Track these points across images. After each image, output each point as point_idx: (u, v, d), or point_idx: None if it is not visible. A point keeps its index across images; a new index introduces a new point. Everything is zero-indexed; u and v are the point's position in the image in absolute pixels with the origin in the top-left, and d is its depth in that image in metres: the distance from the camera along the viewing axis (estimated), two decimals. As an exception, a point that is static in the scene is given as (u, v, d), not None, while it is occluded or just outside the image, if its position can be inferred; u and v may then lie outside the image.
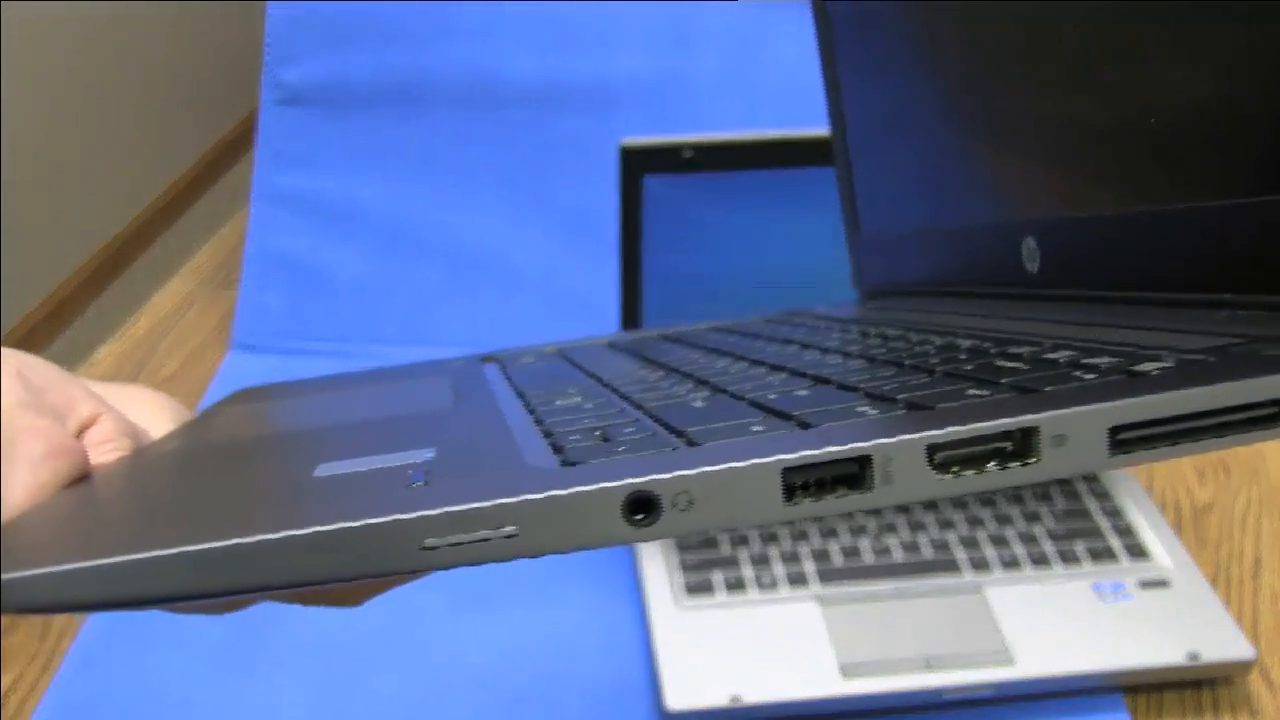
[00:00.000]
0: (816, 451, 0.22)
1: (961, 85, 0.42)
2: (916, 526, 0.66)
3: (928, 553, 0.65)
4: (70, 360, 1.05)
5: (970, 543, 0.65)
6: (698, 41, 0.98)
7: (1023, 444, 0.23)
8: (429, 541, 0.21)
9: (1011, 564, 0.64)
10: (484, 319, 0.96)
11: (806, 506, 0.22)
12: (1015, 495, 0.68)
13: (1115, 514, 0.67)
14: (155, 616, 0.33)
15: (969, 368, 0.28)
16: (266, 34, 1.00)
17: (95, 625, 0.66)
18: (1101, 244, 0.34)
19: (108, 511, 0.28)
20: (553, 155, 0.98)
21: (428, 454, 0.27)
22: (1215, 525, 0.73)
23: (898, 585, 0.63)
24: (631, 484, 0.22)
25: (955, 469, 0.23)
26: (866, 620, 0.61)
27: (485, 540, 0.22)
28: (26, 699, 0.62)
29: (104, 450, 0.32)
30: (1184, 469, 0.78)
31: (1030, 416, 0.22)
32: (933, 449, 0.22)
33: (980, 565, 0.64)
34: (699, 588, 0.63)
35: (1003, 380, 0.26)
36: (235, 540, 0.21)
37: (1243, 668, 0.60)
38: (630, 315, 0.74)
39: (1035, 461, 0.23)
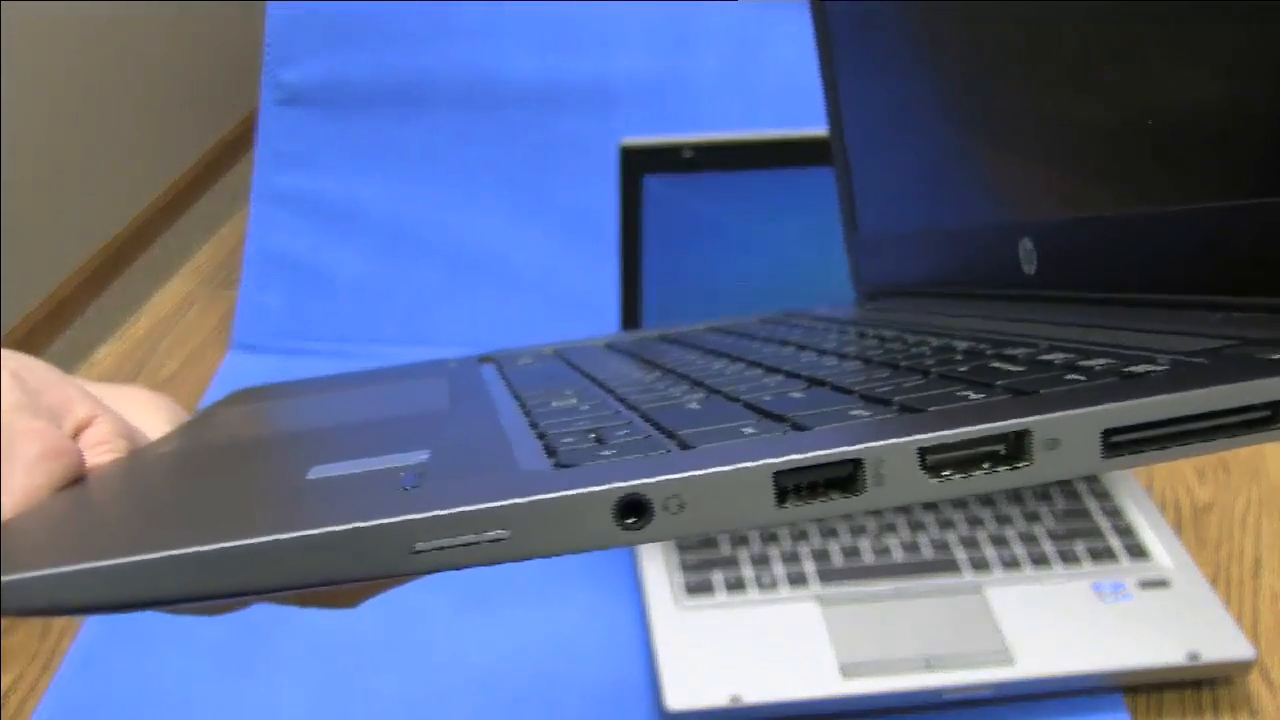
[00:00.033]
0: (807, 455, 0.22)
1: (959, 86, 0.42)
2: (916, 526, 0.66)
3: (928, 553, 0.65)
4: (70, 360, 1.05)
5: (970, 543, 0.65)
6: (698, 41, 0.98)
7: (1015, 447, 0.22)
8: (419, 545, 0.21)
9: (1011, 564, 0.64)
10: (484, 319, 0.96)
11: (798, 510, 0.22)
12: (1015, 495, 0.68)
13: (1115, 514, 0.67)
14: (155, 616, 0.33)
15: (963, 370, 0.28)
16: (266, 34, 1.00)
17: (95, 625, 0.66)
18: (1098, 245, 0.34)
19: (102, 514, 0.28)
20: (553, 155, 0.98)
21: (421, 456, 0.27)
22: (1215, 525, 0.73)
23: (898, 585, 0.63)
24: (622, 487, 0.22)
25: (947, 472, 0.23)
26: (866, 620, 0.61)
27: (476, 544, 0.22)
28: (26, 699, 0.62)
29: (100, 451, 0.32)
30: (1184, 469, 0.78)
31: (1022, 420, 0.22)
32: (924, 452, 0.22)
33: (980, 565, 0.64)
34: (699, 588, 0.63)
35: (997, 382, 0.26)
36: (224, 544, 0.21)
37: (1243, 668, 0.60)
38: (630, 315, 0.74)
39: (1027, 465, 0.22)
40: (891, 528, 0.66)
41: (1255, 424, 0.23)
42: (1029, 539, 0.65)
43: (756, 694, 0.57)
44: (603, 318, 0.80)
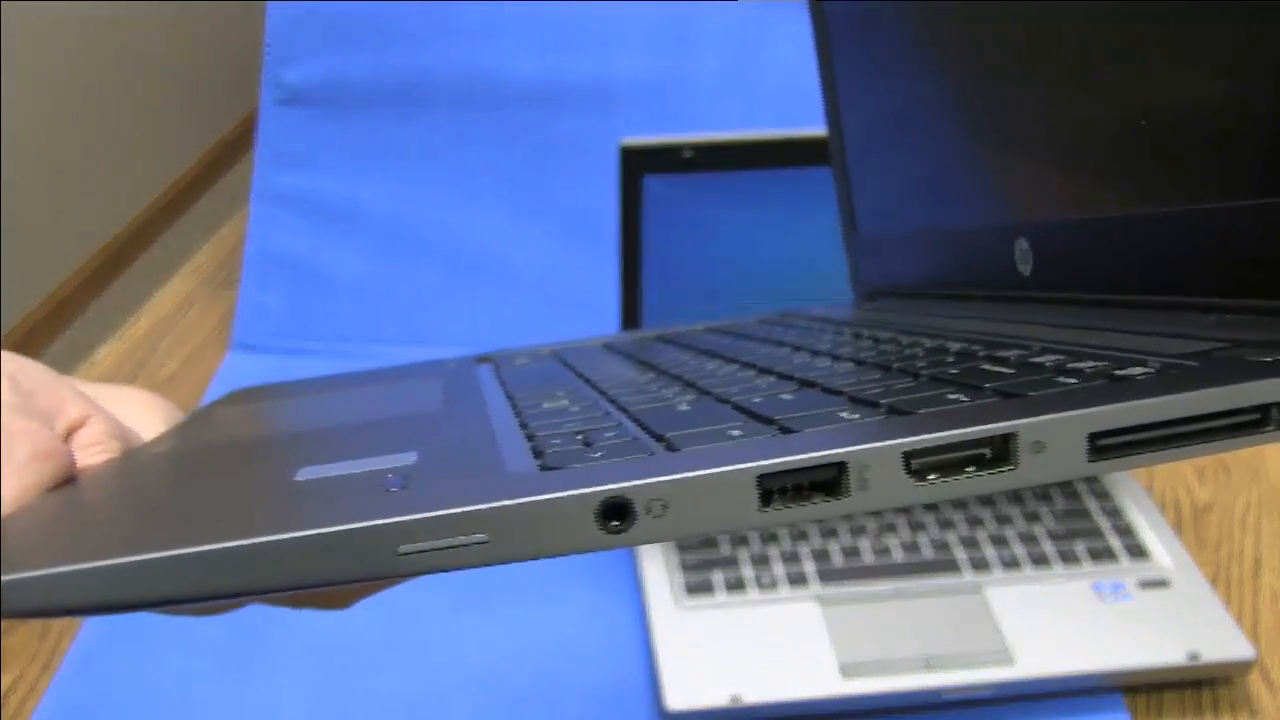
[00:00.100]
0: (791, 458, 0.22)
1: (957, 87, 0.42)
2: (916, 526, 0.66)
3: (928, 553, 0.65)
4: (70, 360, 1.05)
5: (970, 543, 0.65)
6: (698, 41, 0.98)
7: (1000, 450, 0.22)
8: (403, 547, 0.21)
9: (1011, 564, 0.64)
10: (484, 319, 0.96)
11: (783, 513, 0.22)
12: (1015, 495, 0.68)
13: (1115, 514, 0.67)
14: (155, 616, 0.33)
15: (954, 372, 0.28)
16: (266, 34, 1.00)
17: (95, 625, 0.66)
18: (1094, 247, 0.34)
19: (90, 515, 0.28)
20: (553, 155, 0.98)
21: (409, 458, 0.27)
22: (1215, 525, 0.73)
23: (898, 585, 0.63)
24: (604, 490, 0.22)
25: (932, 475, 0.22)
26: (866, 620, 0.61)
27: (459, 546, 0.21)
28: (26, 699, 0.62)
29: (93, 452, 0.33)
30: (1184, 469, 0.78)
31: (1008, 423, 0.22)
32: (909, 455, 0.22)
33: (980, 565, 0.64)
34: (699, 588, 0.63)
35: (986, 385, 0.25)
36: (205, 547, 0.21)
37: (1243, 668, 0.60)
38: (630, 315, 0.74)
39: (1013, 468, 0.22)
40: (891, 528, 0.66)
41: (1244, 427, 0.23)
42: (1029, 539, 0.65)
43: (756, 694, 0.57)
44: (603, 318, 0.80)
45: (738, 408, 0.28)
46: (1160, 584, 0.62)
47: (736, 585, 0.63)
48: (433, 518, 0.21)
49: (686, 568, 0.64)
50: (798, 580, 0.63)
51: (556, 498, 0.22)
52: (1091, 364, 0.26)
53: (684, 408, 0.30)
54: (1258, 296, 0.27)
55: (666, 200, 0.72)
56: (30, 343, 2.07)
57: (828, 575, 0.63)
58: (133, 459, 0.33)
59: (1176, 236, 0.30)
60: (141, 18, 2.57)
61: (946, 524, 0.66)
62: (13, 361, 0.32)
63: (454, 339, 0.93)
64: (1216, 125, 0.29)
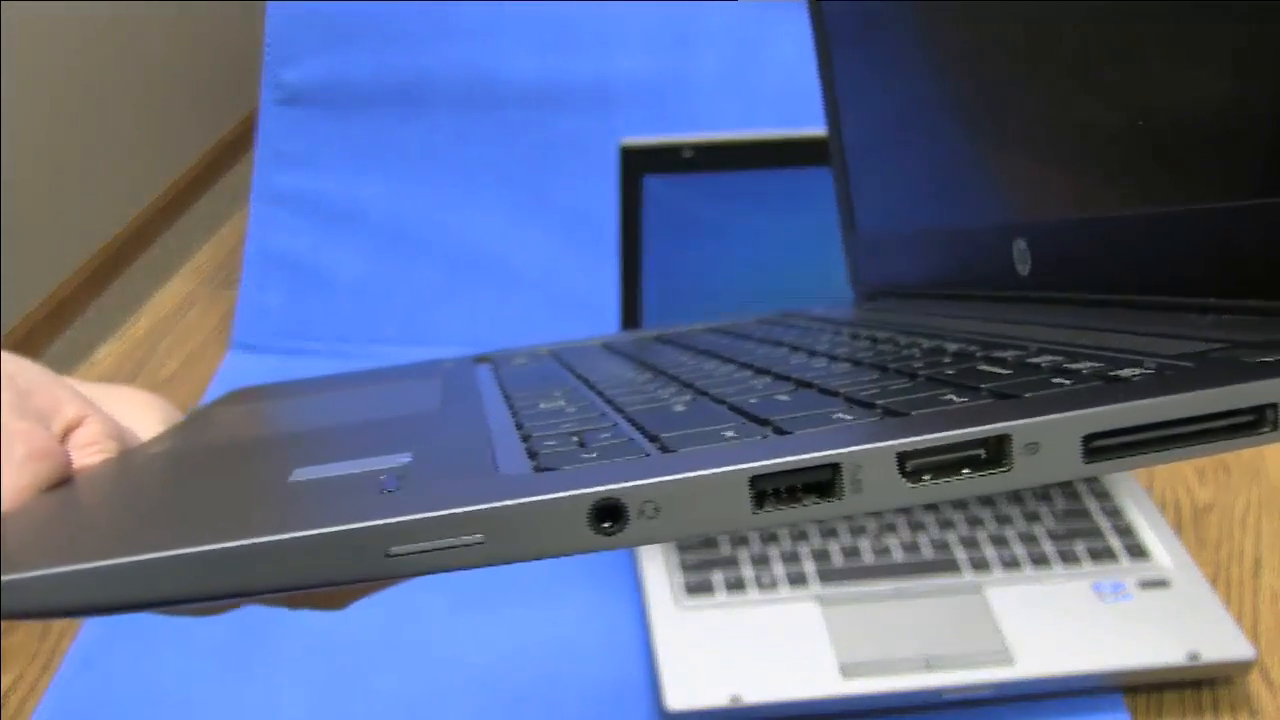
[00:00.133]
0: (784, 460, 0.22)
1: (956, 87, 0.42)
2: (916, 526, 0.66)
3: (928, 553, 0.65)
4: (70, 360, 1.05)
5: (970, 543, 0.65)
6: (698, 41, 0.98)
7: (995, 452, 0.22)
8: (394, 549, 0.21)
9: (1011, 564, 0.64)
10: (484, 319, 0.96)
11: (776, 515, 0.22)
12: (1015, 495, 0.68)
13: (1115, 514, 0.67)
14: (155, 616, 0.33)
15: (950, 372, 0.28)
16: (266, 34, 1.00)
17: (95, 625, 0.66)
18: (1091, 247, 0.34)
19: (84, 515, 0.28)
20: (553, 155, 0.98)
21: (404, 459, 0.27)
22: (1215, 525, 0.73)
23: (898, 585, 0.63)
24: (597, 492, 0.22)
25: (926, 477, 0.22)
26: (866, 620, 0.61)
27: (451, 548, 0.21)
28: (26, 699, 0.62)
29: (89, 452, 0.33)
30: (1184, 469, 0.78)
31: (1002, 424, 0.22)
32: (903, 457, 0.22)
33: (980, 565, 0.64)
34: (699, 588, 0.63)
35: (982, 386, 0.25)
36: (195, 549, 0.21)
37: (1243, 668, 0.60)
38: (630, 315, 0.74)
39: (1007, 470, 0.22)
40: (891, 528, 0.66)
41: (1240, 428, 0.22)
42: (1029, 539, 0.65)
43: (756, 694, 0.57)
44: (603, 318, 0.80)
45: (733, 408, 0.28)
46: (1160, 584, 0.62)
47: (736, 585, 0.63)
48: (424, 519, 0.21)
49: (686, 568, 0.64)
50: (798, 580, 0.63)
51: (549, 499, 0.22)
52: (1088, 365, 0.26)
53: (679, 408, 0.30)
54: (1255, 297, 0.27)
55: (666, 200, 0.72)
56: (30, 343, 2.07)
57: (828, 575, 0.63)
58: (129, 459, 0.34)
59: (1174, 237, 0.30)
60: (141, 18, 2.57)
61: (946, 524, 0.66)
62: (10, 362, 0.32)
63: (454, 339, 0.93)
64: (1214, 126, 0.29)
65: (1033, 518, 0.66)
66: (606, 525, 0.22)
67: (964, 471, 0.22)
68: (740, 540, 0.65)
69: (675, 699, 0.57)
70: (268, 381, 0.53)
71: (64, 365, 0.62)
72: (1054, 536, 0.65)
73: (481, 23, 0.98)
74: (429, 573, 0.22)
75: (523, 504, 0.22)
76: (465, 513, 0.21)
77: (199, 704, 0.61)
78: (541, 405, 0.34)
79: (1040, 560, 0.64)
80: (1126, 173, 0.33)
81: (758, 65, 0.97)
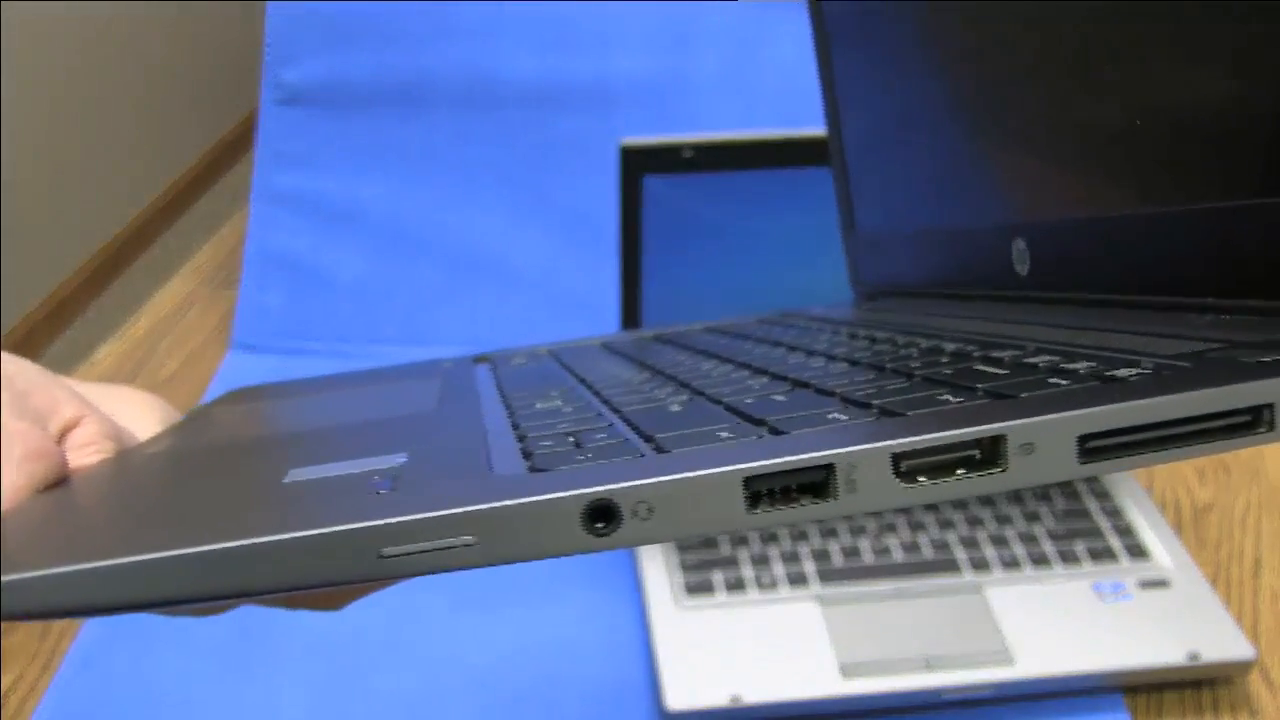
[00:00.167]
0: (778, 460, 0.22)
1: (955, 87, 0.42)
2: (916, 526, 0.66)
3: (928, 553, 0.65)
4: (70, 360, 1.05)
5: (970, 543, 0.65)
6: (698, 41, 0.98)
7: (990, 452, 0.22)
8: (386, 550, 0.21)
9: (1011, 564, 0.64)
10: (484, 319, 0.96)
11: (770, 515, 0.22)
12: (1015, 495, 0.68)
13: (1115, 514, 0.67)
14: (155, 616, 0.33)
15: (947, 372, 0.28)
16: (266, 34, 1.00)
17: (95, 625, 0.66)
18: (1090, 247, 0.34)
19: (78, 516, 0.28)
20: (553, 155, 0.98)
21: (399, 459, 0.27)
22: (1215, 525, 0.73)
23: (898, 585, 0.63)
24: (591, 493, 0.22)
25: (921, 478, 0.22)
26: (866, 620, 0.61)
27: (444, 549, 0.21)
28: (26, 699, 0.62)
29: (86, 453, 0.33)
30: (1184, 469, 0.78)
31: (997, 425, 0.22)
32: (898, 457, 0.22)
33: (980, 565, 0.64)
34: (699, 588, 0.63)
35: (979, 386, 0.25)
36: (186, 550, 0.21)
37: (1243, 668, 0.60)
38: (630, 315, 0.74)
39: (1002, 470, 0.22)
40: (891, 528, 0.66)
41: (1236, 429, 0.22)
42: (1029, 539, 0.65)
43: (756, 694, 0.57)
44: (603, 318, 0.80)
45: (730, 409, 0.28)
46: (1160, 584, 0.62)
47: (736, 585, 0.63)
48: (416, 520, 0.21)
49: (686, 568, 0.64)
50: (798, 580, 0.63)
51: (542, 500, 0.22)
52: (1085, 365, 0.26)
53: (676, 408, 0.30)
54: (1254, 297, 0.27)
55: (666, 200, 0.72)
56: (30, 343, 2.07)
57: (828, 575, 0.63)
58: (126, 459, 0.34)
59: (1173, 237, 0.30)
60: (141, 18, 2.57)
61: (946, 524, 0.66)
62: (9, 363, 0.32)
63: (454, 339, 0.93)
64: (1213, 125, 0.29)
65: (1033, 518, 0.66)
66: (600, 526, 0.22)
67: (959, 472, 0.22)
68: (740, 540, 0.65)
69: (675, 699, 0.57)
70: (267, 381, 0.53)
71: (64, 365, 0.62)
72: (1054, 536, 0.65)
73: (481, 23, 0.98)
74: (423, 574, 0.22)
75: (515, 505, 0.21)
76: (458, 514, 0.21)
77: (199, 704, 0.61)
78: (538, 405, 0.34)
79: (1040, 560, 0.64)
80: (1125, 173, 0.33)
81: (758, 65, 0.97)
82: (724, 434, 0.25)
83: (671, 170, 0.71)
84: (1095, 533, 0.65)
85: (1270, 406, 0.22)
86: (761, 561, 0.64)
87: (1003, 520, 0.66)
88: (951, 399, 0.25)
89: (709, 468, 0.22)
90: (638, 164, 0.71)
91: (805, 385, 0.30)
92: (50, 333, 2.17)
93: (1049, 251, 0.36)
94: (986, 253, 0.40)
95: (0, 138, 2.07)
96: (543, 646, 0.64)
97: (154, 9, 2.61)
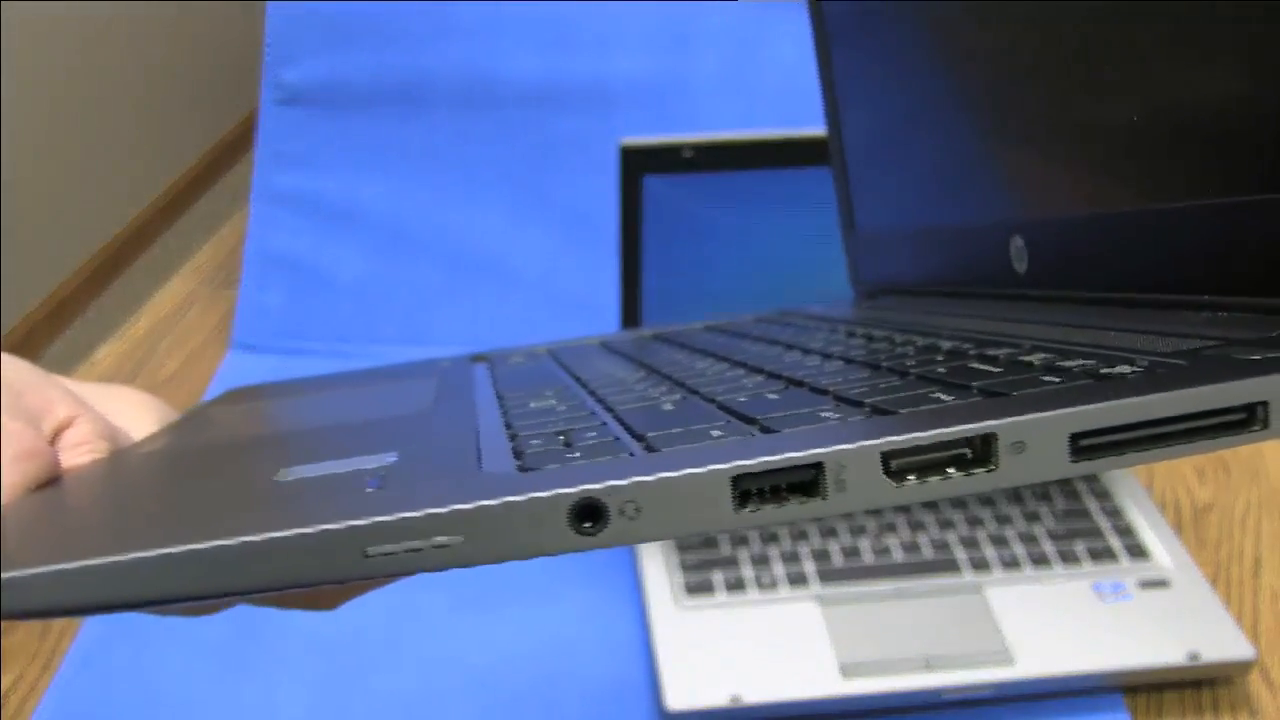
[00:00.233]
0: (767, 459, 0.22)
1: (954, 86, 0.42)
2: (916, 526, 0.66)
3: (928, 553, 0.65)
4: (70, 360, 1.05)
5: (970, 543, 0.65)
6: (698, 41, 0.98)
7: (981, 451, 0.22)
8: (372, 549, 0.21)
9: (1011, 564, 0.64)
10: (484, 319, 0.96)
11: (759, 514, 0.22)
12: (1015, 495, 0.68)
13: (1115, 514, 0.67)
14: (156, 616, 0.33)
15: (942, 371, 0.28)
16: (266, 34, 1.00)
17: (95, 625, 0.66)
18: (1088, 244, 0.34)
19: (67, 516, 0.28)
20: (553, 155, 0.98)
21: (389, 458, 0.27)
22: (1215, 525, 0.73)
23: (898, 585, 0.63)
24: (577, 492, 0.21)
25: (911, 476, 0.22)
26: (866, 620, 0.61)
27: (430, 548, 0.21)
28: (26, 699, 0.62)
29: (80, 452, 0.33)
30: (1184, 469, 0.78)
31: (987, 423, 0.22)
32: (888, 456, 0.22)
33: (980, 565, 0.64)
34: (699, 588, 0.63)
35: (973, 384, 0.25)
36: (171, 549, 0.21)
37: (1243, 668, 0.60)
38: (630, 315, 0.74)
39: (993, 469, 0.22)
40: (891, 527, 0.66)
41: (1230, 427, 0.22)
42: (1029, 539, 0.65)
43: (756, 694, 0.57)
44: (603, 317, 0.80)
45: (722, 407, 0.28)
46: (1160, 584, 0.62)
47: (736, 585, 0.63)
48: (402, 519, 0.21)
49: (686, 568, 0.64)
50: (798, 580, 0.63)
51: (528, 499, 0.21)
52: (1080, 363, 0.26)
53: (668, 407, 0.30)
54: (1251, 294, 0.27)
55: (666, 200, 0.72)
56: (30, 343, 2.07)
57: (828, 575, 0.63)
58: (120, 459, 0.34)
59: (1171, 234, 0.30)
60: (141, 18, 2.57)
61: (946, 524, 0.66)
62: (4, 362, 0.32)
63: (453, 339, 0.93)
64: (1211, 123, 0.29)
65: (1033, 518, 0.66)
66: (587, 525, 0.22)
67: (950, 471, 0.22)
68: (740, 540, 0.65)
69: (675, 699, 0.57)
70: (267, 381, 0.53)
71: (64, 365, 0.62)
72: (1054, 536, 0.65)
73: (481, 23, 0.98)
74: (410, 573, 0.21)
75: (502, 504, 0.21)
76: (443, 513, 0.21)
77: (199, 704, 0.61)
78: (532, 404, 0.34)
79: (1040, 560, 0.64)
80: (1123, 171, 0.33)
81: (757, 65, 0.97)
82: (715, 433, 0.25)
83: (671, 170, 0.71)
84: (1095, 533, 0.65)
85: (1264, 404, 0.22)
86: (761, 561, 0.64)
87: (1003, 520, 0.66)
88: (944, 397, 0.25)
89: (697, 467, 0.22)
90: (638, 164, 0.71)
91: (799, 384, 0.30)
92: (50, 333, 2.17)
93: (1047, 250, 0.36)
94: (985, 251, 0.40)
95: (0, 138, 2.07)
96: (542, 646, 0.64)
97: (154, 9, 2.61)
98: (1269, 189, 0.26)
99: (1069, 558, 0.64)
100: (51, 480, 0.31)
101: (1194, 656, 0.59)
